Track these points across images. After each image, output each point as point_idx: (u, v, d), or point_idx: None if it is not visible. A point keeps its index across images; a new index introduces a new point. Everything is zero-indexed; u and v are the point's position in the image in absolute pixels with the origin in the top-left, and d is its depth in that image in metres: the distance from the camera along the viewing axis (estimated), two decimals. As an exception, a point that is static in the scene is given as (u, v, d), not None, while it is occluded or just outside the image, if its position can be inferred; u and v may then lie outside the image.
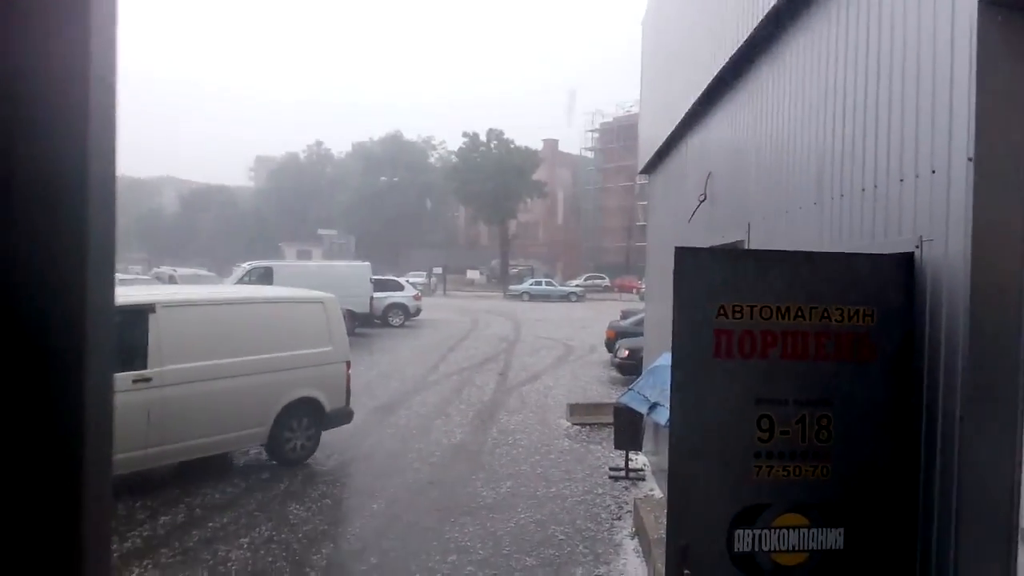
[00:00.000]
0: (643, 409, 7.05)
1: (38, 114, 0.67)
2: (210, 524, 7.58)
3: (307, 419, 9.80)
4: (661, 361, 7.05)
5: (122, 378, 7.78)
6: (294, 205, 77.08)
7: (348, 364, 10.36)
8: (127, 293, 9.21)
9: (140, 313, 8.31)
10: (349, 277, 26.13)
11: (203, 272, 37.03)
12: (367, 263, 29.19)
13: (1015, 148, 2.56)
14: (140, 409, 7.96)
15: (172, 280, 27.83)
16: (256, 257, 34.41)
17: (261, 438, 9.40)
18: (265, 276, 26.04)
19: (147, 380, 8.11)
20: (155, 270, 38.19)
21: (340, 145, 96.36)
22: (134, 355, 8.13)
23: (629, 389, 7.70)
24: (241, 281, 25.79)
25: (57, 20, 0.68)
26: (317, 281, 25.51)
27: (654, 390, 6.79)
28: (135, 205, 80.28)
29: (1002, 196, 2.57)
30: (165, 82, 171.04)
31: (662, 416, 5.94)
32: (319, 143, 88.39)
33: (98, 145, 0.71)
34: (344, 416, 10.33)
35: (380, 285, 28.99)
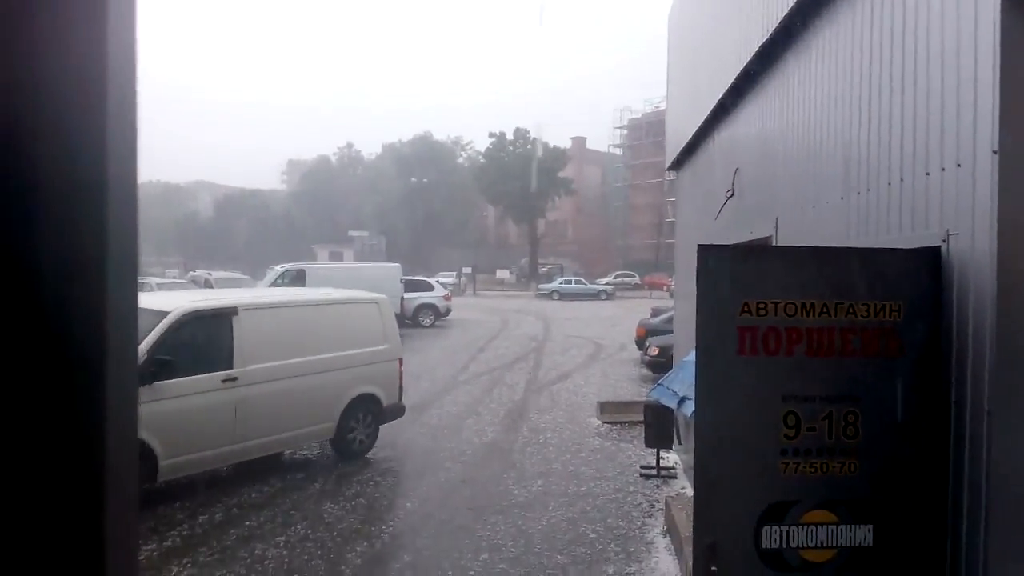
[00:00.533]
0: (672, 403, 7.02)
1: (56, 115, 0.67)
2: (247, 523, 7.73)
3: (368, 414, 10.31)
4: (689, 357, 6.87)
5: (212, 378, 8.36)
6: (326, 207, 77.91)
7: (400, 361, 10.89)
8: (208, 296, 9.80)
9: (224, 316, 8.78)
10: (380, 278, 26.36)
11: (238, 275, 37.65)
12: (397, 264, 29.44)
13: (1043, 140, 2.53)
14: (228, 407, 8.49)
15: (208, 284, 28.35)
16: (289, 259, 34.86)
17: (329, 433, 9.88)
18: (298, 278, 26.38)
19: (234, 380, 8.57)
20: (191, 274, 38.92)
21: (370, 147, 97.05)
22: (220, 356, 8.59)
23: (658, 384, 7.69)
24: (275, 283, 26.16)
25: (74, 20, 0.67)
26: (349, 282, 25.74)
27: (682, 384, 6.73)
28: (171, 210, 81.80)
29: (1030, 189, 2.55)
30: (200, 89, 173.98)
31: (690, 408, 5.89)
32: (349, 145, 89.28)
33: (117, 146, 0.70)
34: (398, 411, 10.85)
35: (410, 285, 29.21)
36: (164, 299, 9.90)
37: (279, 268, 27.79)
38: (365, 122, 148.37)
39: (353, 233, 64.38)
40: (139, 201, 0.77)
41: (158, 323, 8.11)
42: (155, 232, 73.83)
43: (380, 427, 10.52)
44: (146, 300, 10.11)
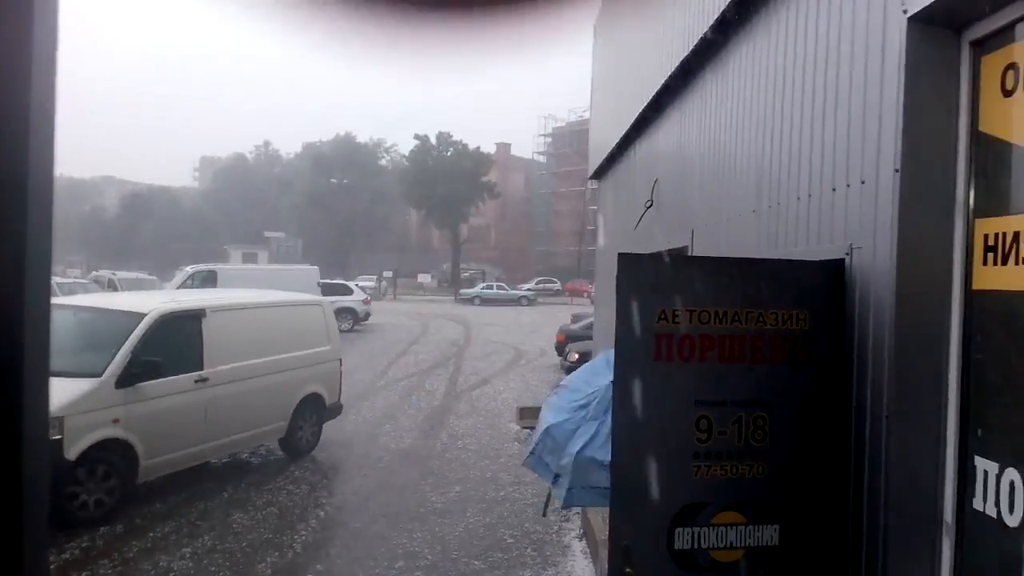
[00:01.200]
0: (548, 479, 5.27)
1: None
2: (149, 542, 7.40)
3: (313, 414, 10.68)
4: (553, 411, 5.41)
5: (186, 379, 8.52)
6: (240, 207, 75.68)
7: (340, 361, 11.36)
8: (177, 298, 9.94)
9: (195, 317, 8.95)
10: (296, 281, 25.68)
11: (144, 276, 36.08)
12: (315, 267, 28.85)
13: (940, 160, 2.68)
14: (199, 407, 8.66)
15: (111, 285, 27.05)
16: (200, 260, 33.67)
17: (281, 432, 10.15)
18: (208, 280, 25.50)
19: (205, 380, 8.75)
20: (94, 273, 37.04)
21: (289, 146, 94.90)
22: (192, 357, 8.70)
23: (531, 452, 5.56)
24: (184, 285, 25.20)
25: None
26: (263, 285, 25.01)
27: (555, 456, 5.11)
28: (74, 206, 77.82)
29: (927, 206, 2.69)
30: (107, 80, 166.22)
31: (562, 494, 4.77)
32: (267, 143, 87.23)
33: (38, 147, 0.69)
34: (337, 409, 11.34)
35: (328, 289, 28.57)
36: (132, 300, 10.05)
37: (188, 269, 26.83)
38: (283, 120, 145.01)
39: (269, 234, 62.77)
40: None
41: (136, 325, 8.16)
42: (57, 229, 69.83)
43: (323, 425, 10.89)
44: (114, 301, 10.32)
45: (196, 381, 8.61)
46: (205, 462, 9.23)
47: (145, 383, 7.92)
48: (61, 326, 8.32)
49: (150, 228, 75.06)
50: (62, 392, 7.11)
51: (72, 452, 7.19)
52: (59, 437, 6.96)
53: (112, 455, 7.64)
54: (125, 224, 76.21)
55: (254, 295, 11.36)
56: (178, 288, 24.97)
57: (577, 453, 4.70)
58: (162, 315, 8.47)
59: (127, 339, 7.95)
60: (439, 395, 15.58)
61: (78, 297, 13.15)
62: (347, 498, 8.83)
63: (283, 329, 10.24)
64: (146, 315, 8.30)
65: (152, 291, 21.70)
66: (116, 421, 7.64)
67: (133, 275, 34.09)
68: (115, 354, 7.82)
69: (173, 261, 48.11)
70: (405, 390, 16.14)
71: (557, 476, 5.09)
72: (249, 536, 7.42)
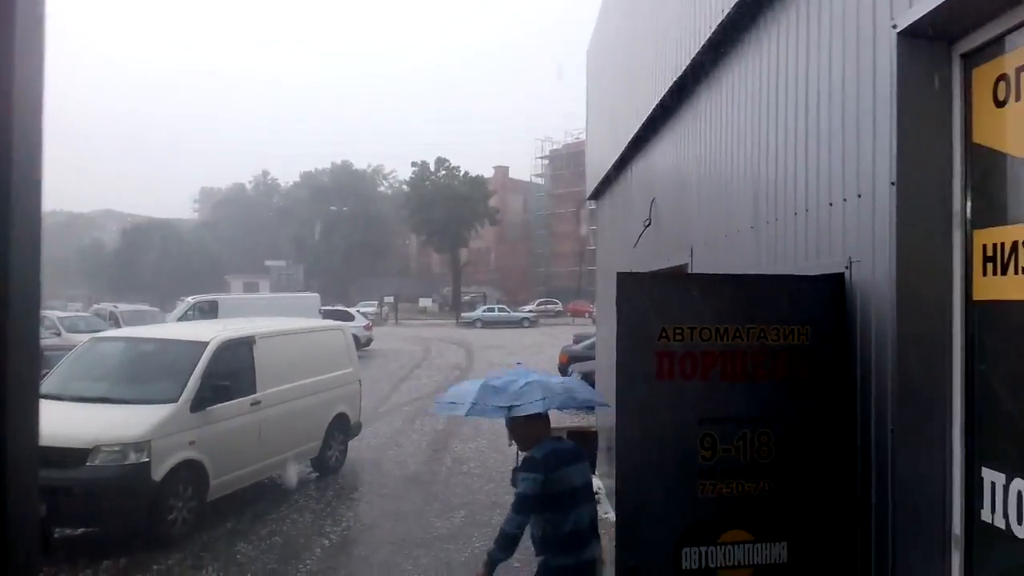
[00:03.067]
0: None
1: None
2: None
3: (340, 432, 11.20)
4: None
5: (243, 402, 9.01)
6: (241, 237, 75.93)
7: (360, 382, 12.11)
8: (229, 327, 10.21)
9: (247, 344, 9.52)
10: (297, 308, 25.75)
11: (146, 307, 36.03)
12: (316, 294, 28.90)
13: (936, 172, 2.69)
14: (255, 428, 9.18)
15: (113, 317, 27.04)
16: (201, 291, 33.70)
17: (316, 450, 10.65)
18: (210, 310, 25.53)
19: (258, 403, 9.28)
20: (95, 306, 37.02)
21: (287, 176, 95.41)
22: (247, 381, 9.21)
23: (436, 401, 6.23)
24: (185, 316, 25.23)
25: None
26: (265, 314, 24.99)
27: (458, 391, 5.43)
28: (75, 240, 78.13)
29: (924, 218, 2.70)
30: (106, 114, 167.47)
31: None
32: (265, 173, 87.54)
33: (22, 175, 0.69)
34: (358, 428, 11.98)
35: (330, 316, 28.59)
36: (191, 330, 10.93)
37: (190, 300, 26.88)
38: (281, 151, 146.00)
39: (269, 263, 62.89)
40: (42, 231, 0.74)
41: (201, 352, 8.70)
42: (59, 263, 70.20)
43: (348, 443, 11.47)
44: (173, 331, 11.22)
45: (251, 404, 9.14)
46: (259, 480, 9.63)
47: (212, 407, 8.43)
48: (129, 358, 9.30)
49: (151, 260, 75.24)
50: (146, 417, 7.77)
51: (158, 474, 7.62)
52: (147, 460, 7.49)
53: (189, 475, 8.08)
54: (126, 257, 76.41)
55: (289, 323, 12.12)
56: (178, 320, 24.98)
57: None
58: (222, 343, 9.04)
59: (196, 366, 8.48)
60: (442, 419, 15.49)
61: (135, 329, 13.91)
62: (352, 524, 8.76)
63: (315, 354, 10.84)
64: (208, 343, 8.85)
65: (198, 321, 22.01)
66: (192, 443, 8.13)
67: (134, 307, 34.08)
68: (187, 380, 8.33)
69: (175, 292, 48.11)
70: (408, 415, 16.07)
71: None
72: (253, 567, 7.36)
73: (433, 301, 69.60)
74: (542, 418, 4.48)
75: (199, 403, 8.26)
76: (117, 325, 24.74)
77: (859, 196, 2.98)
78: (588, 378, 15.46)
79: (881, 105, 2.81)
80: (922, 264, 2.68)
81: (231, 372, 8.99)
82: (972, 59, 2.59)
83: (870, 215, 2.88)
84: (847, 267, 3.04)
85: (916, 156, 2.69)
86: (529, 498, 4.12)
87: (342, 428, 11.19)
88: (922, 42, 2.68)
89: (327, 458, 10.85)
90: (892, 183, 2.71)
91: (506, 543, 4.10)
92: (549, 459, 4.23)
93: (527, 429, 4.44)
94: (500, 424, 4.75)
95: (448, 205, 64.88)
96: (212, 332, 9.35)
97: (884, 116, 2.78)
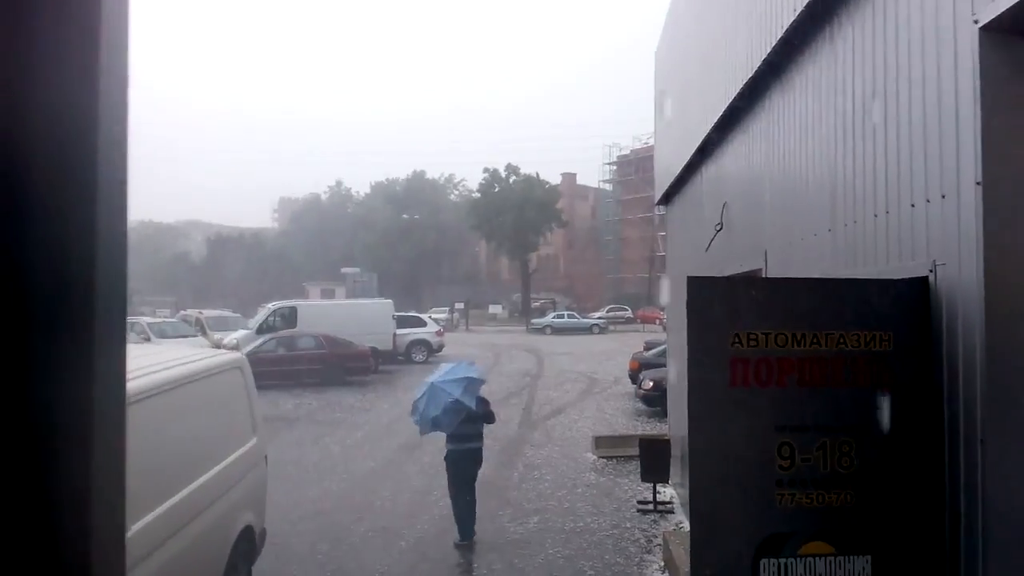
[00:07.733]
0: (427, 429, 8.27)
1: (48, 122, 0.67)
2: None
3: (244, 561, 6.27)
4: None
5: None
6: (317, 245, 77.99)
7: (266, 459, 7.19)
8: None
9: None
10: (372, 315, 26.32)
11: (229, 313, 37.48)
12: (389, 300, 29.40)
13: (1023, 171, 2.58)
14: None
15: (199, 323, 28.19)
16: (281, 297, 34.78)
17: None
18: (290, 316, 26.32)
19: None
20: (181, 313, 38.72)
21: (359, 185, 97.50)
22: None
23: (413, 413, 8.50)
24: (265, 322, 26.08)
25: (67, 28, 0.68)
26: (341, 319, 25.62)
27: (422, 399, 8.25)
28: (163, 249, 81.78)
29: (1012, 218, 2.59)
30: (191, 129, 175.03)
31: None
32: (339, 183, 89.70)
33: (108, 154, 0.71)
34: (262, 539, 6.84)
35: (402, 322, 29.13)
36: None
37: (271, 306, 27.74)
38: (355, 159, 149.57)
39: (345, 270, 64.20)
40: (130, 241, 0.77)
41: None
42: (147, 272, 73.63)
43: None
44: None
45: None
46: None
47: None
48: None
49: (234, 268, 78.08)
50: None
51: None
52: None
53: None
54: (210, 265, 79.53)
55: (156, 364, 5.72)
56: (260, 324, 25.85)
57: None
58: None
59: None
60: (514, 425, 15.55)
61: None
62: (426, 527, 8.89)
63: (203, 423, 5.83)
64: None
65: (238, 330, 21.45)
66: None
67: (218, 313, 35.46)
68: None
69: (256, 299, 49.77)
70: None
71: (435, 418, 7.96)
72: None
73: (503, 307, 69.80)
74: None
75: None
76: (203, 330, 25.84)
77: (943, 197, 2.88)
78: (659, 385, 15.29)
79: (964, 102, 2.70)
80: (1012, 267, 2.57)
81: None
82: (1062, 53, 2.47)
83: (955, 216, 2.78)
84: (931, 270, 2.93)
85: (1002, 155, 2.59)
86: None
87: (247, 553, 6.34)
88: (1005, 36, 2.57)
89: None
90: (978, 183, 2.61)
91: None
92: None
93: None
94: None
95: (517, 211, 65.14)
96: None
97: (967, 114, 2.68)
